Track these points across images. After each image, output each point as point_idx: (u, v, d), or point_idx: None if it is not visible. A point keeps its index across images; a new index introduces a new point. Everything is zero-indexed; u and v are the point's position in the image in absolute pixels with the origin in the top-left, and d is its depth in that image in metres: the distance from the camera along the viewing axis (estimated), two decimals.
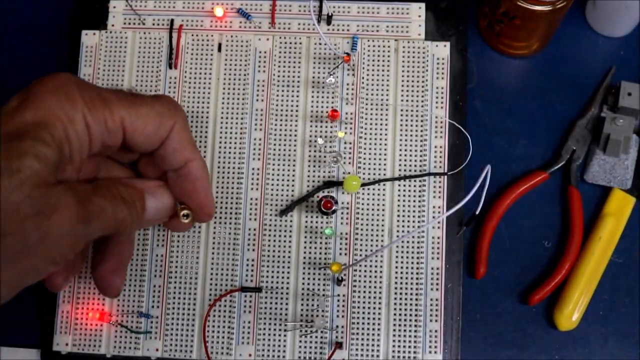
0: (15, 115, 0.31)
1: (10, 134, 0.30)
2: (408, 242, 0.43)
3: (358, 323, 0.42)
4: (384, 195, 0.44)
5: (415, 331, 0.42)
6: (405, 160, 0.44)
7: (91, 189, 0.34)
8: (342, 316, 0.43)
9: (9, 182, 0.29)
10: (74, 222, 0.31)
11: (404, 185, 0.44)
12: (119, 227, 0.35)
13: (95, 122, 0.33)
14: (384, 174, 0.44)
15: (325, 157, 0.44)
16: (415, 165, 0.44)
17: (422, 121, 0.45)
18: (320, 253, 0.43)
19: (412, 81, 0.45)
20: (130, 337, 0.43)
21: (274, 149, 0.45)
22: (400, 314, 0.42)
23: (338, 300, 0.43)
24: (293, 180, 0.44)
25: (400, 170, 0.44)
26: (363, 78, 0.45)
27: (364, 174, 0.44)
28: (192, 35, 0.46)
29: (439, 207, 0.44)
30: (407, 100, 0.45)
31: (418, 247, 0.43)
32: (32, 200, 0.29)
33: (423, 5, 0.46)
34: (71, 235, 0.31)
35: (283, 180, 0.44)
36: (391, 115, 0.45)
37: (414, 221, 0.44)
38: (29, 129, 0.30)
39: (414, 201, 0.44)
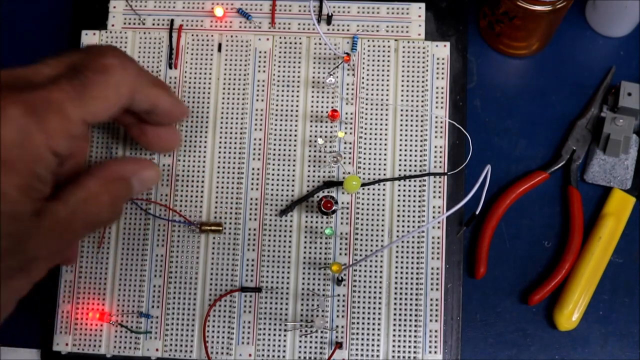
0: None
1: None
2: (408, 242, 0.43)
3: (358, 323, 0.42)
4: (384, 195, 0.44)
5: (415, 331, 0.42)
6: (405, 160, 0.44)
7: (74, 208, 0.32)
8: (342, 316, 0.43)
9: None
10: (52, 257, 0.32)
11: (404, 185, 0.44)
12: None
13: (60, 142, 0.31)
14: (384, 174, 0.44)
15: (325, 157, 0.44)
16: (415, 165, 0.44)
17: (422, 121, 0.45)
18: (320, 253, 0.43)
19: (412, 81, 0.45)
20: (130, 337, 0.43)
21: (274, 149, 0.45)
22: (400, 314, 0.42)
23: (338, 300, 0.43)
24: (293, 180, 0.44)
25: (400, 170, 0.44)
26: (363, 78, 0.45)
27: (364, 174, 0.44)
28: (192, 35, 0.46)
29: (439, 207, 0.44)
30: (407, 100, 0.45)
31: (418, 247, 0.43)
32: (12, 265, 0.30)
33: (423, 5, 0.46)
34: (52, 265, 0.32)
35: (283, 180, 0.44)
36: (391, 115, 0.45)
37: (414, 221, 0.44)
38: None
39: (414, 201, 0.44)
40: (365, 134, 0.45)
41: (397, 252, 0.43)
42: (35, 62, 0.33)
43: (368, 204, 0.44)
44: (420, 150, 0.44)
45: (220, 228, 0.43)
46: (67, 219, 0.32)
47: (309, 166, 0.44)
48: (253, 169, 0.44)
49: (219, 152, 0.45)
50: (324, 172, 0.44)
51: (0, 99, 0.29)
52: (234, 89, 0.46)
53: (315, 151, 0.45)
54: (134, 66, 0.34)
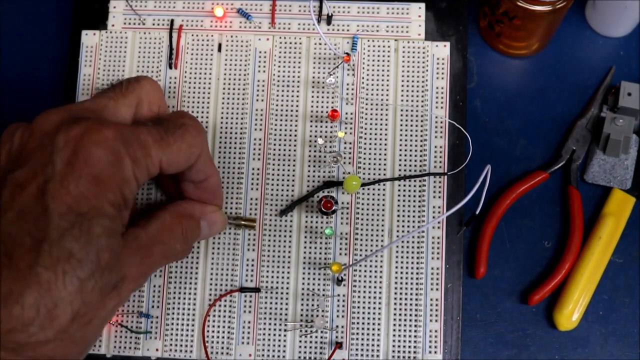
0: (69, 184, 0.30)
1: (72, 210, 0.29)
2: (408, 242, 0.43)
3: (358, 323, 0.42)
4: (384, 195, 0.44)
5: (415, 331, 0.42)
6: (405, 160, 0.44)
7: (153, 235, 0.34)
8: (342, 316, 0.43)
9: (89, 274, 0.29)
10: (137, 279, 0.33)
11: (404, 185, 0.44)
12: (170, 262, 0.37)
13: (141, 174, 0.33)
14: (384, 174, 0.44)
15: (325, 157, 0.44)
16: (415, 165, 0.44)
17: (422, 121, 0.45)
18: (320, 253, 0.43)
19: (412, 81, 0.45)
20: (130, 337, 0.43)
21: (274, 149, 0.45)
22: (400, 314, 0.42)
23: (338, 300, 0.43)
24: (293, 180, 0.44)
25: (400, 170, 0.44)
26: (363, 78, 0.45)
27: (364, 174, 0.44)
28: (192, 35, 0.46)
29: (439, 207, 0.44)
30: (407, 100, 0.45)
31: (418, 247, 0.43)
32: (110, 282, 0.31)
33: (423, 5, 0.46)
34: (135, 288, 0.33)
35: (283, 180, 0.44)
36: (391, 115, 0.45)
37: (414, 221, 0.44)
38: (91, 204, 0.30)
39: (414, 201, 0.44)
40: (365, 134, 0.45)
41: (397, 252, 0.43)
42: (101, 96, 0.35)
43: (368, 204, 0.44)
44: (420, 150, 0.44)
45: (254, 224, 0.43)
46: (147, 245, 0.33)
47: (309, 166, 0.44)
48: (253, 169, 0.44)
49: (219, 152, 0.45)
50: (324, 172, 0.44)
51: (94, 122, 0.31)
52: (234, 89, 0.46)
53: (315, 151, 0.45)
54: (204, 134, 0.37)
